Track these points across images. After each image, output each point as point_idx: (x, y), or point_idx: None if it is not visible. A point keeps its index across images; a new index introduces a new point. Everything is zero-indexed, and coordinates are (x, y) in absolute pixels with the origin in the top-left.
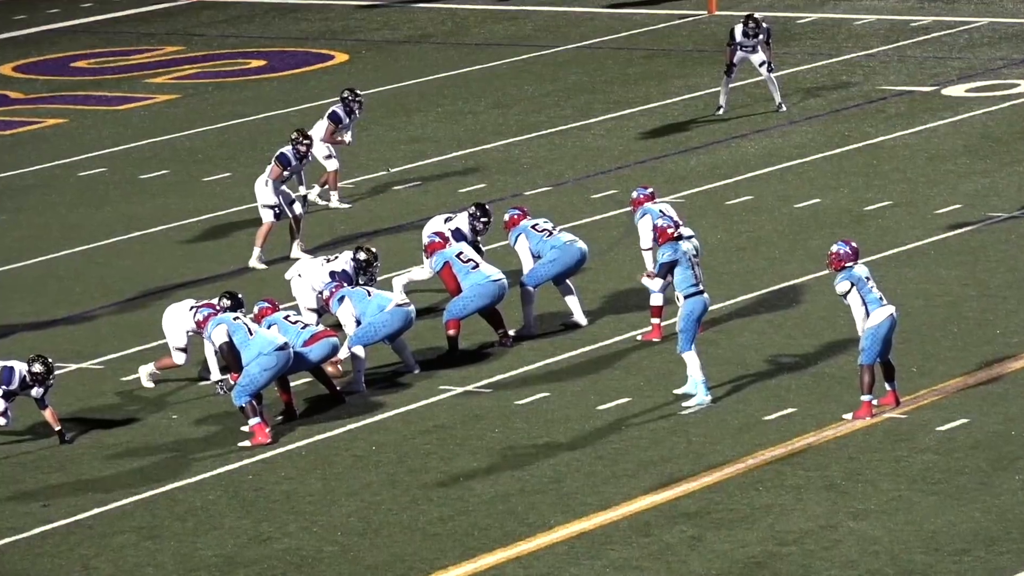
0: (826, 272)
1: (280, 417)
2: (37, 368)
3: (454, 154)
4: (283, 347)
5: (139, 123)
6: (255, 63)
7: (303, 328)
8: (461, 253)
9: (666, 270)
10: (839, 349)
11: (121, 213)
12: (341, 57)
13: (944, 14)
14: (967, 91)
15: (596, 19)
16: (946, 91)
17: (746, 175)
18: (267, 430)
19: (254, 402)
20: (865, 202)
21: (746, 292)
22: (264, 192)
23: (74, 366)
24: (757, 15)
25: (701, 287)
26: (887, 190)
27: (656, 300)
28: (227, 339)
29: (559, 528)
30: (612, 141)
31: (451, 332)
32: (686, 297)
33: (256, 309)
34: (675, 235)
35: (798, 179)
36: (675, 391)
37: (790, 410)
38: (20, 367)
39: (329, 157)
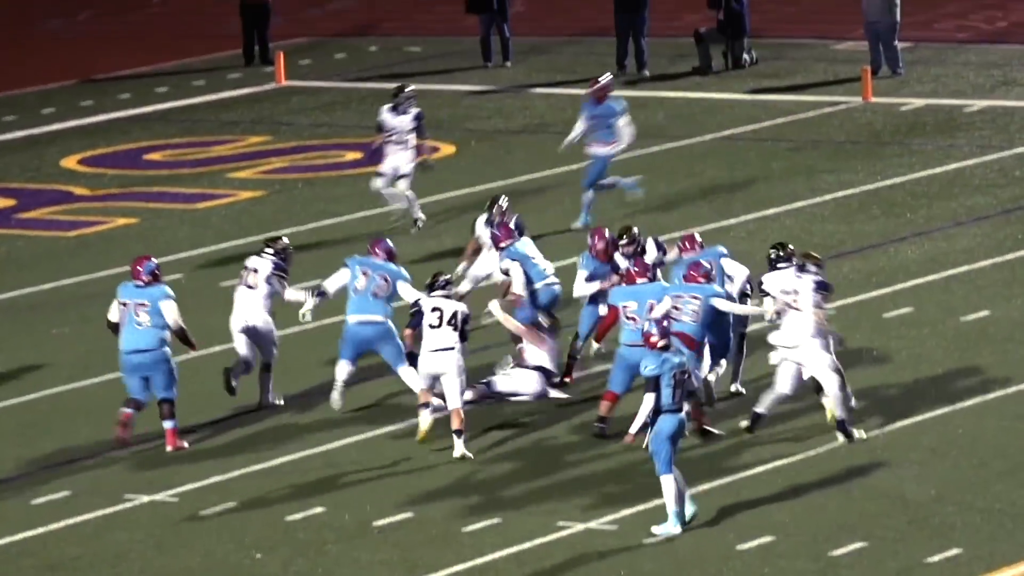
0: (993, 395)
1: None
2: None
3: (574, 259)
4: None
5: (220, 223)
6: (350, 155)
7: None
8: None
9: (654, 384)
10: (1013, 482)
11: (200, 325)
12: (448, 149)
13: None
14: None
15: (736, 107)
16: None
17: (906, 283)
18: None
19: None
20: None
21: (905, 416)
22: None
23: (146, 498)
24: (404, 89)
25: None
26: None
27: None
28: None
29: None
30: (754, 244)
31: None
32: (664, 412)
33: None
34: (660, 344)
35: (965, 288)
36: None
37: (955, 551)
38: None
39: None
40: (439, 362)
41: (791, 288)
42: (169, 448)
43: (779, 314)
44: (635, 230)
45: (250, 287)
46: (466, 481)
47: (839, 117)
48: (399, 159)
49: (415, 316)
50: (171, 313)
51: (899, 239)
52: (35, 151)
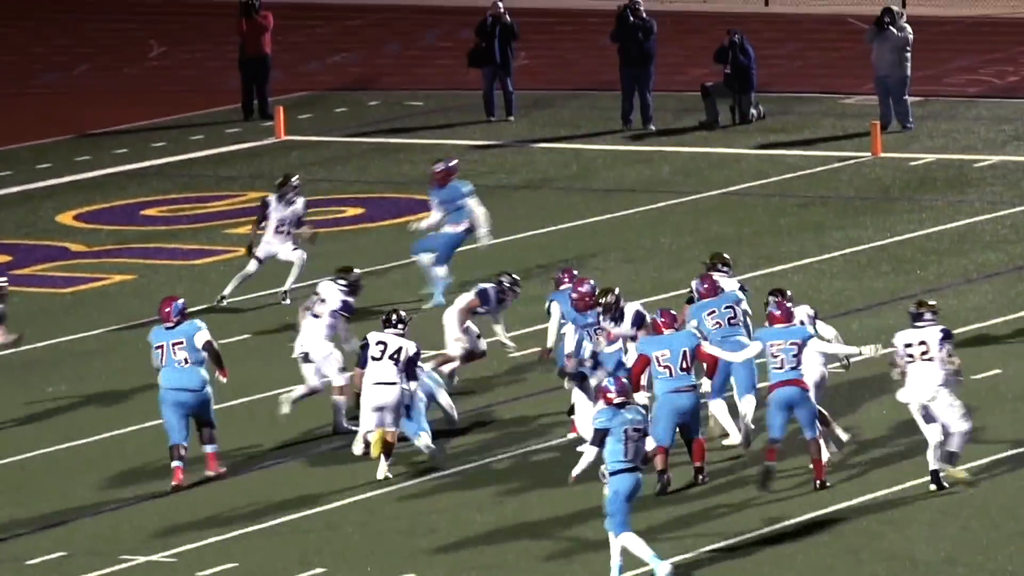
0: (1007, 453)
1: None
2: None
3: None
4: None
5: (218, 280)
6: (351, 211)
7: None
8: None
9: (599, 438)
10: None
11: None
12: None
13: None
14: None
15: (743, 161)
16: None
17: None
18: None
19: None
20: None
21: (917, 477)
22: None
23: (143, 559)
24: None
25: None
26: None
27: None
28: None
29: None
30: (761, 301)
31: None
32: (612, 474)
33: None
34: (616, 402)
35: (975, 346)
36: None
37: None
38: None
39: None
40: (380, 395)
41: (917, 340)
42: (210, 472)
43: (893, 365)
44: (615, 293)
45: (316, 316)
46: (468, 541)
47: (848, 172)
48: (280, 248)
49: (363, 350)
50: (204, 337)
51: (908, 296)
52: (30, 206)
